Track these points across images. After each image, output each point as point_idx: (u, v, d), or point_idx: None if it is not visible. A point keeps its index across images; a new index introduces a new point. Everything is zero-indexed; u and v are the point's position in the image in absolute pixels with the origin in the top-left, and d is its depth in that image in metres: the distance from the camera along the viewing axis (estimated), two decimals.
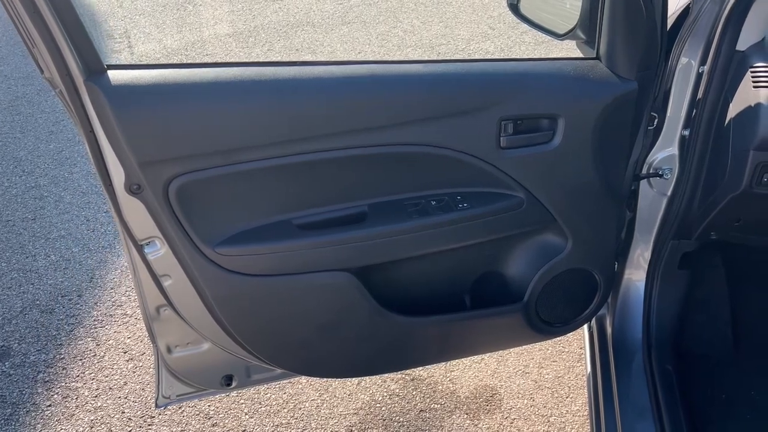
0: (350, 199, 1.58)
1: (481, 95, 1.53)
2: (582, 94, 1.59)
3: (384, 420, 2.51)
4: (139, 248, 1.48)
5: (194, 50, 5.41)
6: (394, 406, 2.56)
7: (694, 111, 1.73)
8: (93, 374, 2.75)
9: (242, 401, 2.60)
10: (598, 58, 1.63)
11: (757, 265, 2.22)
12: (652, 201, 1.95)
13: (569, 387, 2.61)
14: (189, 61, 5.10)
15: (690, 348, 2.10)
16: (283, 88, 1.41)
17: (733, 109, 1.70)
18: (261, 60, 4.45)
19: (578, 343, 2.79)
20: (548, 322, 1.92)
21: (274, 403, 2.60)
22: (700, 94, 1.71)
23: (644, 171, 1.88)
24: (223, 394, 2.60)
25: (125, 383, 2.71)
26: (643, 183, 1.89)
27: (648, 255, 2.04)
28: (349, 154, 1.50)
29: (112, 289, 3.18)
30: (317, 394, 2.62)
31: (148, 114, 1.34)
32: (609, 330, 2.14)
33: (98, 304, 3.10)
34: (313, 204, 1.56)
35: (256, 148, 1.42)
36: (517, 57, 1.69)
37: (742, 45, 1.76)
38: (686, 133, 1.78)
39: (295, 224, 1.53)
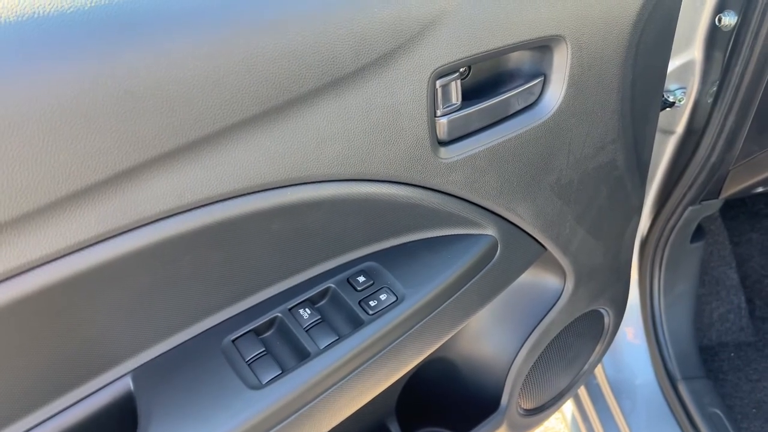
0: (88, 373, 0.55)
1: (381, 23, 0.54)
2: None
3: None
4: None
5: None
6: None
7: None
8: None
9: None
10: None
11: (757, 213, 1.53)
12: None
13: None
14: None
15: (723, 353, 1.37)
16: None
17: None
18: None
19: None
20: (537, 409, 1.06)
21: None
22: None
23: None
24: None
25: None
26: None
27: (644, 230, 1.24)
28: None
29: None
30: None
31: None
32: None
33: None
34: None
35: None
36: None
37: None
38: (728, 20, 0.93)
39: None
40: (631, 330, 1.27)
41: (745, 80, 0.95)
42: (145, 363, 0.57)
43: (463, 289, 0.71)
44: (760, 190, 1.15)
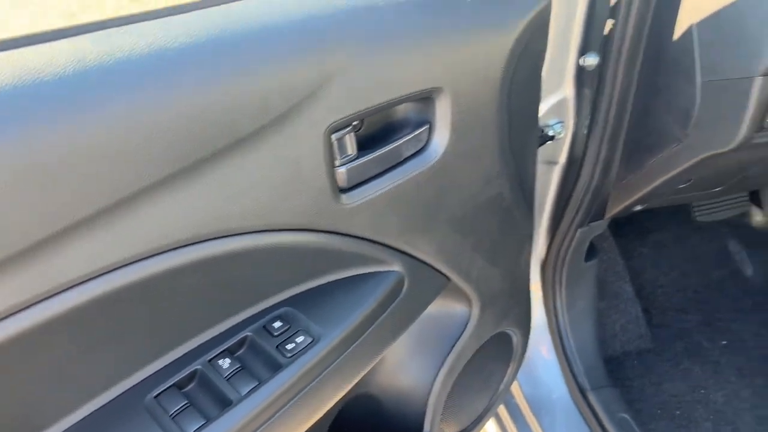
0: None
1: (280, 81, 0.60)
2: (476, 28, 0.74)
3: None
4: None
5: None
6: None
7: (613, 24, 1.00)
8: None
9: None
10: None
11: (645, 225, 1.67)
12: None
13: None
14: None
15: (627, 362, 1.48)
16: None
17: (691, 13, 1.00)
18: None
19: None
20: None
21: None
22: None
23: None
24: None
25: None
26: None
27: (542, 253, 1.33)
28: None
29: None
30: None
31: None
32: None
33: None
34: None
35: None
36: None
37: None
38: (591, 60, 1.05)
39: None
40: (544, 348, 1.36)
41: (611, 113, 1.07)
42: (69, 427, 0.58)
43: (375, 324, 0.76)
44: (639, 207, 1.27)
